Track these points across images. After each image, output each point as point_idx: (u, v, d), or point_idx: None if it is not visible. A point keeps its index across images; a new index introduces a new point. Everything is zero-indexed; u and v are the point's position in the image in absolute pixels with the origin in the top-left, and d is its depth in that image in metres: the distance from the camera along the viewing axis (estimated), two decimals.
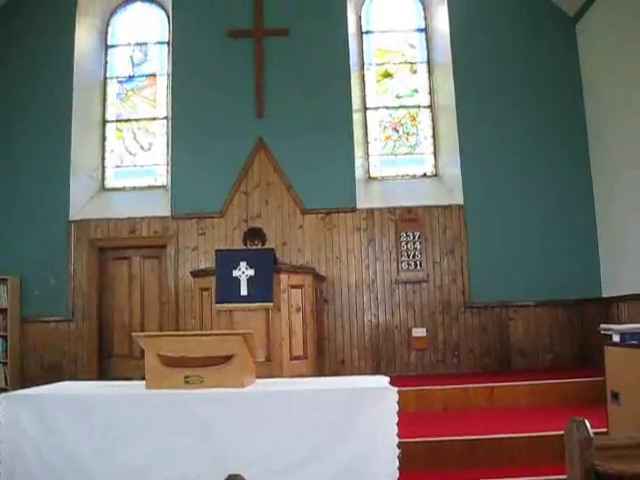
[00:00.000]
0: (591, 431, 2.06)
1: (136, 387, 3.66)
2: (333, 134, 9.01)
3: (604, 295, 8.50)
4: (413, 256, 8.81)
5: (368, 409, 3.17)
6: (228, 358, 3.35)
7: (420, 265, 8.80)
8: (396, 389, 3.23)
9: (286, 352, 6.63)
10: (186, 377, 3.35)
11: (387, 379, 3.63)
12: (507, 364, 8.57)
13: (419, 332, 8.57)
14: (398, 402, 3.22)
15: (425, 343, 8.58)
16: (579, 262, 8.71)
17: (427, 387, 6.81)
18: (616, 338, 4.36)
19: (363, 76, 9.65)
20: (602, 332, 4.55)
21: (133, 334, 3.51)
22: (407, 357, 8.57)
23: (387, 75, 9.74)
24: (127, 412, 3.26)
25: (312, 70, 9.16)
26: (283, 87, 9.12)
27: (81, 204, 9.12)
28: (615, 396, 4.32)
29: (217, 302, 6.51)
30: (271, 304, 6.51)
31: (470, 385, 6.79)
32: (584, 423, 2.07)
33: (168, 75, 9.57)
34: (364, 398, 3.22)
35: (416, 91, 9.70)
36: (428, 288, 8.78)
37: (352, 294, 8.78)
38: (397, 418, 3.19)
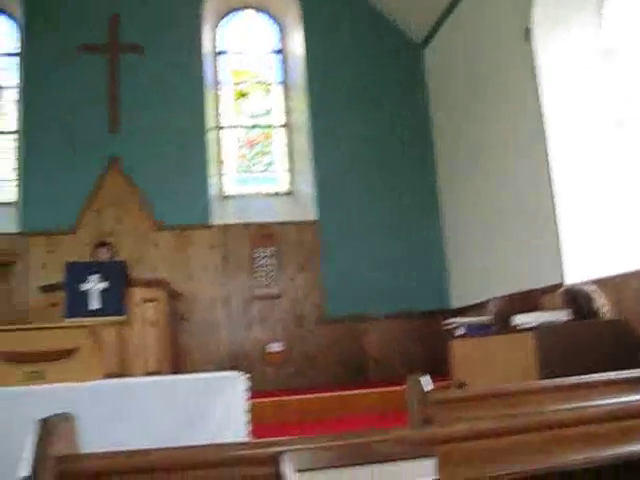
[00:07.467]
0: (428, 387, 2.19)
1: None
2: (188, 152, 8.98)
3: (453, 306, 8.89)
4: (268, 272, 8.87)
5: (214, 397, 3.18)
6: (73, 352, 3.27)
7: (275, 281, 8.87)
8: (245, 376, 3.26)
9: (141, 367, 6.50)
10: (26, 373, 3.24)
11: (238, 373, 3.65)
12: (363, 375, 8.74)
13: (275, 347, 8.62)
14: (247, 390, 3.25)
15: (281, 357, 8.63)
16: (429, 275, 9.13)
17: (283, 398, 6.90)
18: (461, 331, 4.63)
19: (218, 95, 9.70)
20: (446, 328, 4.81)
21: None
22: (264, 372, 8.56)
23: (242, 95, 9.84)
24: None
25: (168, 88, 9.11)
26: (138, 104, 8.98)
27: None
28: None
29: (67, 317, 6.25)
30: (124, 318, 6.39)
31: (323, 395, 6.93)
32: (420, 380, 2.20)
33: (18, 87, 9.15)
34: (211, 386, 3.22)
35: (270, 111, 9.85)
36: (283, 303, 8.86)
37: (208, 311, 8.69)
38: (247, 406, 3.21)
